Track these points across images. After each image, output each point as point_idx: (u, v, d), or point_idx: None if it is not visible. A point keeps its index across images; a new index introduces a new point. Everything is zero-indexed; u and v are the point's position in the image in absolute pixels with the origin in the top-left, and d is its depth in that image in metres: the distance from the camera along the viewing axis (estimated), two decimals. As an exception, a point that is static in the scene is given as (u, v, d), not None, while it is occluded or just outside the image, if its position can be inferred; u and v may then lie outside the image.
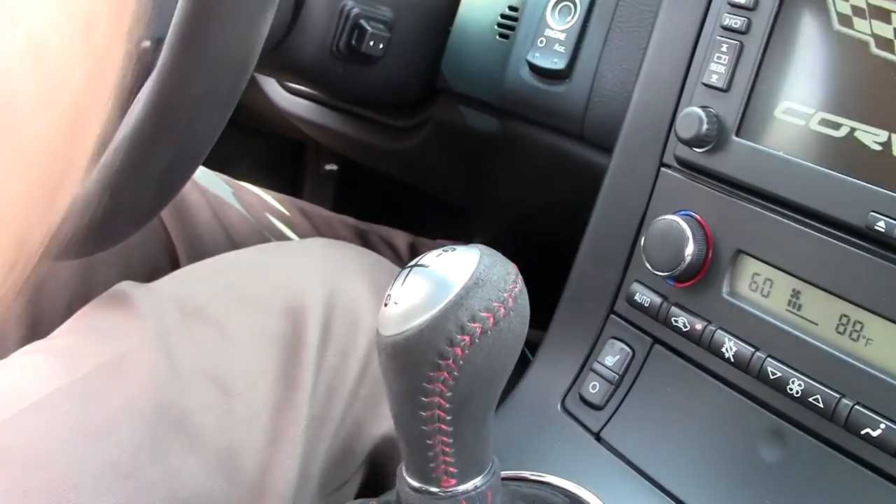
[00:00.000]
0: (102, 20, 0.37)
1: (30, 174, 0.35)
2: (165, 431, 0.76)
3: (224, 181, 1.30)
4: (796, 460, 0.71)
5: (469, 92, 1.08)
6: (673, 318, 0.78)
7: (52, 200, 0.37)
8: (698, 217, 0.77)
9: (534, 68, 0.98)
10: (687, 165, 0.79)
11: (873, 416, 0.66)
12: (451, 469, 0.56)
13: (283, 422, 0.82)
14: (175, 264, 1.16)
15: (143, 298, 0.84)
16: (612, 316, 0.85)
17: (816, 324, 0.71)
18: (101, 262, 1.04)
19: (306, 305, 0.86)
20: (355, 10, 1.00)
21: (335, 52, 1.03)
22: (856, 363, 0.68)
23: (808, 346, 0.70)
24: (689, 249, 0.76)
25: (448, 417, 0.54)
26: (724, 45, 0.76)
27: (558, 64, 0.95)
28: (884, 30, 0.67)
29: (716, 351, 0.75)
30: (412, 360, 0.52)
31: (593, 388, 0.83)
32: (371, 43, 1.02)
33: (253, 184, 1.36)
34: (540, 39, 0.97)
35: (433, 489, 0.57)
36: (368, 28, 1.01)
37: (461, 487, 0.57)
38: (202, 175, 1.23)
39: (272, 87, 1.41)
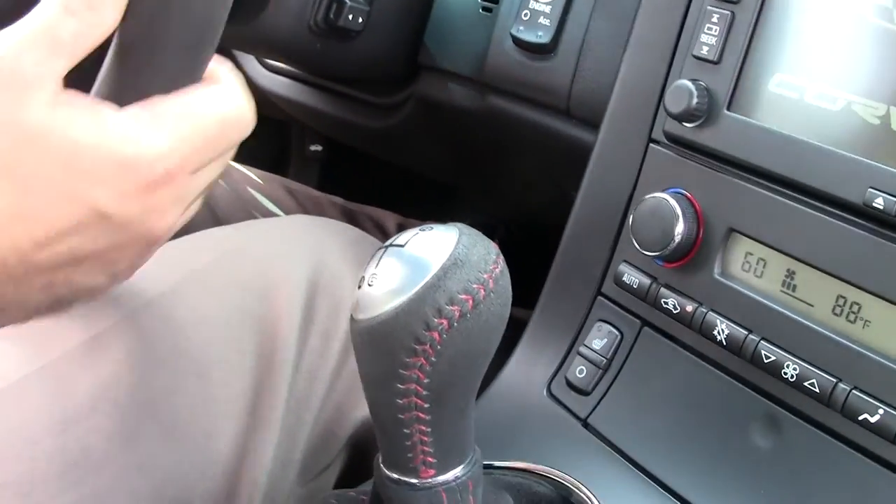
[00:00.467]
0: None
1: None
2: (139, 417, 0.73)
3: None
4: (792, 447, 0.69)
5: (452, 67, 1.06)
6: (662, 300, 0.76)
7: None
8: (689, 195, 0.75)
9: (518, 42, 0.95)
10: (676, 141, 0.76)
11: (871, 401, 0.63)
12: (430, 459, 0.55)
13: (261, 406, 0.79)
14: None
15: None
16: (600, 298, 0.83)
17: (812, 305, 0.68)
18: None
19: (288, 284, 0.84)
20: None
21: (313, 27, 1.00)
22: (853, 346, 0.65)
23: (804, 329, 0.68)
24: (679, 228, 0.73)
25: (426, 405, 0.51)
26: (715, 16, 0.73)
27: (543, 37, 0.93)
28: (883, -2, 0.64)
29: (707, 333, 0.73)
30: (387, 346, 0.50)
31: (580, 372, 0.81)
32: (350, 17, 0.99)
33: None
34: (524, 12, 0.94)
35: (411, 480, 0.55)
36: (347, 1, 0.98)
37: (441, 478, 0.55)
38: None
39: (252, 65, 1.39)
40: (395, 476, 0.56)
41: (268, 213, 1.28)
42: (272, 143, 2.01)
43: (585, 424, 0.80)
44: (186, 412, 0.76)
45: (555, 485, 0.72)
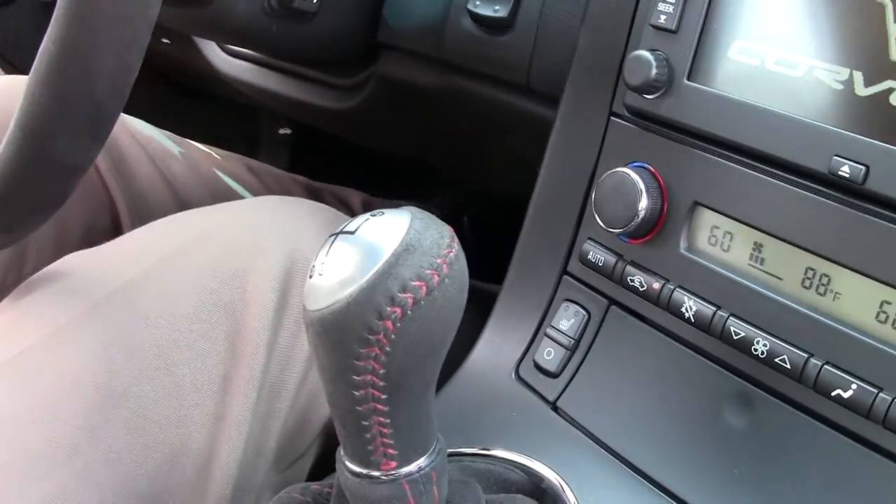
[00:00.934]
0: None
1: None
2: (106, 408, 0.72)
3: (168, 136, 1.25)
4: (764, 425, 0.67)
5: (410, 45, 1.04)
6: (629, 278, 0.75)
7: None
8: (652, 168, 0.74)
9: (475, 17, 0.94)
10: (637, 114, 0.75)
11: (844, 375, 0.62)
12: (391, 451, 0.53)
13: (232, 394, 0.78)
14: (115, 220, 1.12)
15: (83, 268, 0.80)
16: (566, 277, 0.81)
17: (781, 278, 0.67)
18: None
19: (261, 269, 0.82)
20: (289, -40, 0.96)
21: (267, 9, 0.98)
22: (824, 320, 0.64)
23: (773, 303, 0.66)
24: (643, 203, 0.71)
25: (383, 396, 0.50)
26: (672, -15, 0.71)
27: (500, 12, 0.91)
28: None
29: (675, 311, 0.71)
30: (340, 337, 0.48)
31: (548, 354, 0.80)
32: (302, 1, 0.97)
33: (203, 146, 1.32)
34: (480, -19, 0.93)
35: (373, 473, 0.54)
36: None
37: (403, 470, 0.54)
38: (143, 128, 1.18)
39: (212, 51, 1.38)
40: (357, 469, 0.54)
41: (231, 193, 1.27)
42: (242, 126, 2.01)
43: (555, 408, 0.78)
44: (154, 402, 0.74)
45: (525, 471, 0.71)
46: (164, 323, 0.77)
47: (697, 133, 0.70)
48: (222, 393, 0.78)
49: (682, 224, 0.72)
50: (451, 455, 0.61)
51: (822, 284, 0.64)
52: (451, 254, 0.49)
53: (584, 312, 0.79)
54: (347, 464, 0.54)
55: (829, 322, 0.63)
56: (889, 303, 0.61)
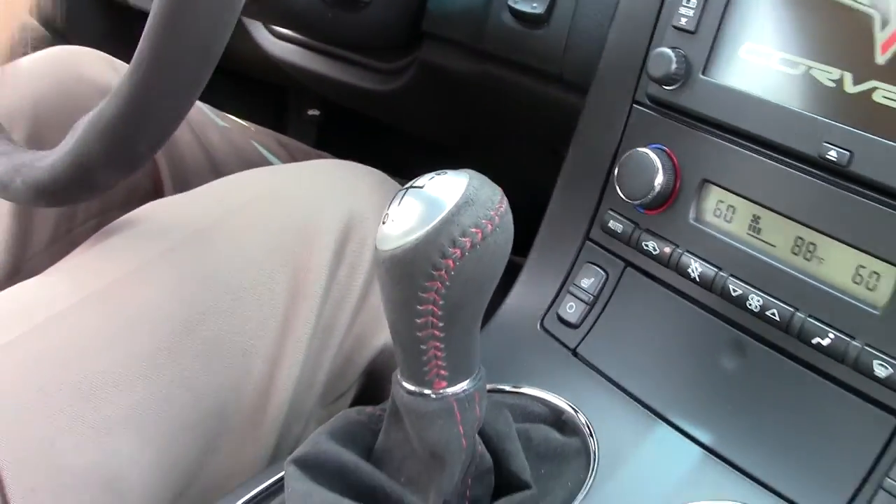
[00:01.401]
0: None
1: None
2: (181, 335, 0.81)
3: (206, 106, 1.34)
4: (755, 369, 0.78)
5: (453, 35, 1.13)
6: (644, 243, 0.85)
7: None
8: (668, 150, 0.84)
9: (514, 13, 1.03)
10: (657, 102, 0.85)
11: (823, 326, 0.72)
12: (443, 372, 0.62)
13: (291, 330, 0.87)
14: (157, 183, 1.21)
15: (160, 216, 0.90)
16: (588, 242, 0.91)
17: (774, 245, 0.77)
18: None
19: (321, 223, 0.91)
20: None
21: (325, 1, 1.07)
22: (809, 280, 0.74)
23: (766, 266, 0.77)
24: (659, 179, 0.82)
25: (441, 324, 0.59)
26: (693, -9, 0.82)
27: (538, 8, 1.01)
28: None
29: (682, 272, 0.82)
30: (408, 272, 0.57)
31: (570, 308, 0.90)
32: None
33: (236, 122, 1.40)
34: (521, -20, 1.02)
35: (426, 391, 0.63)
36: None
37: (451, 390, 0.63)
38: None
39: (260, 33, 1.46)
40: (412, 388, 0.63)
41: (265, 162, 1.36)
42: (271, 107, 2.08)
43: (574, 353, 0.88)
44: (223, 332, 0.84)
45: (547, 405, 0.81)
46: (235, 263, 0.86)
47: (709, 120, 0.81)
48: (283, 328, 0.87)
49: (692, 198, 0.82)
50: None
51: (809, 251, 0.75)
52: (502, 208, 0.59)
53: (603, 273, 0.89)
54: (404, 384, 0.64)
55: (813, 282, 0.74)
56: (864, 267, 0.71)
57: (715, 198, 0.81)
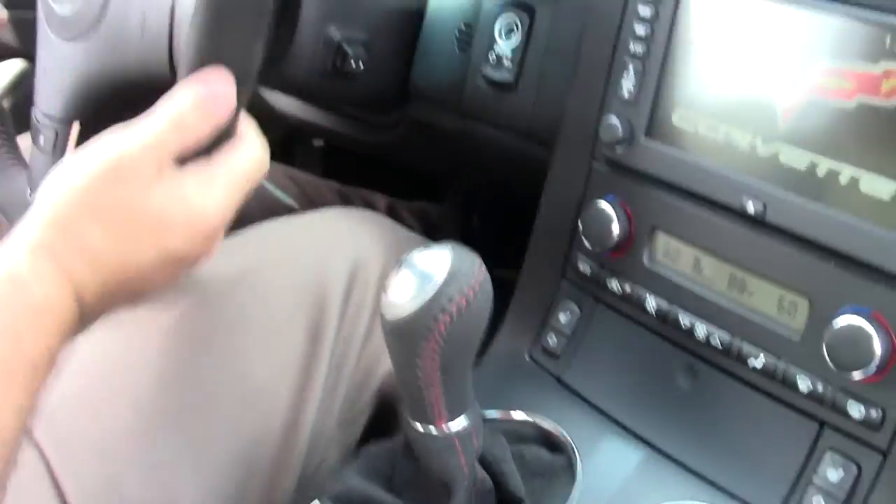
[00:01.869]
0: None
1: None
2: (219, 380, 0.97)
3: None
4: (706, 388, 0.92)
5: (436, 96, 1.26)
6: (608, 282, 0.99)
7: None
8: (622, 201, 0.97)
9: (488, 80, 1.17)
10: (610, 161, 0.99)
11: (756, 349, 0.87)
12: (443, 411, 0.77)
13: (311, 368, 1.01)
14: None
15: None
16: (563, 281, 1.05)
17: (713, 282, 0.92)
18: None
19: (332, 273, 1.05)
20: (337, 37, 1.18)
21: (322, 72, 1.21)
22: (742, 311, 0.89)
23: (708, 300, 0.92)
24: (615, 229, 0.96)
25: (438, 373, 0.74)
26: (632, 66, 0.95)
27: (507, 77, 1.14)
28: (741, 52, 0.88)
29: (641, 307, 0.96)
30: (408, 335, 0.73)
31: (552, 341, 1.04)
32: (352, 63, 1.19)
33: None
34: (491, 55, 1.16)
35: (432, 430, 0.78)
36: (349, 51, 1.17)
37: (452, 425, 0.78)
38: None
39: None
40: (419, 427, 0.78)
41: (272, 198, 1.52)
42: (280, 139, 2.20)
43: (559, 381, 1.02)
44: (254, 375, 0.99)
45: (537, 427, 0.95)
46: (260, 316, 1.01)
47: (653, 176, 0.95)
48: (304, 368, 1.01)
49: (645, 243, 0.96)
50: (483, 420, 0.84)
51: (741, 287, 0.89)
52: (481, 276, 0.74)
53: (577, 309, 1.03)
54: (413, 423, 0.78)
55: (746, 313, 0.89)
56: (784, 299, 0.86)
57: (663, 243, 0.95)
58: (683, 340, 0.94)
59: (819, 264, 0.84)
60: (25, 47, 1.36)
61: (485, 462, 0.85)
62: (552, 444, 0.94)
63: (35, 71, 1.22)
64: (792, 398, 0.86)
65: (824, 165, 0.83)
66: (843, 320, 0.80)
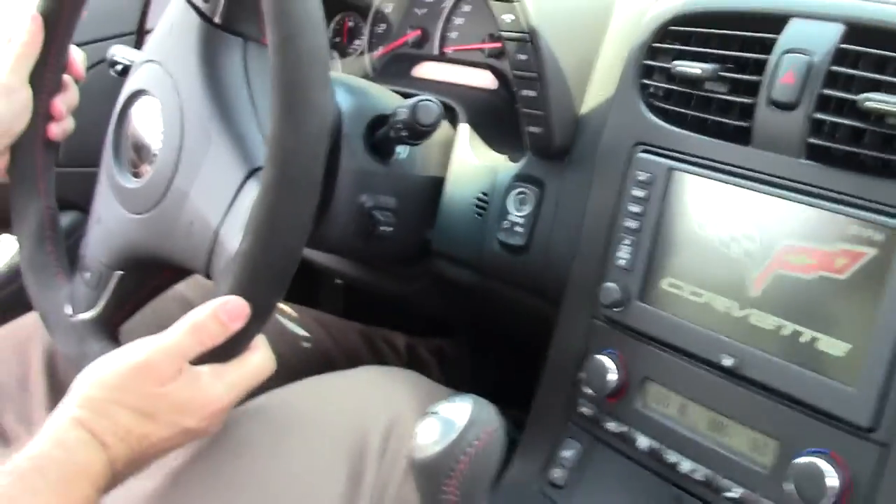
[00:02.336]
0: None
1: None
2: None
3: None
4: (691, 516, 1.07)
5: (455, 254, 1.41)
6: (606, 424, 1.14)
7: None
8: (619, 354, 1.13)
9: (501, 244, 1.33)
10: (609, 319, 1.15)
11: (733, 483, 1.02)
12: None
13: None
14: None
15: (231, 433, 1.15)
16: (569, 423, 1.20)
17: (696, 425, 1.07)
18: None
19: (371, 423, 1.16)
20: (369, 204, 1.33)
21: (354, 235, 1.35)
22: (722, 450, 1.04)
23: (692, 440, 1.07)
24: (613, 378, 1.12)
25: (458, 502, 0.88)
26: (627, 240, 1.12)
27: (519, 242, 1.30)
28: (720, 231, 1.04)
29: (633, 445, 1.11)
30: (433, 473, 0.87)
31: (558, 473, 1.18)
32: (381, 228, 1.34)
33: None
34: (505, 222, 1.32)
35: None
36: (380, 217, 1.32)
37: None
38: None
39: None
40: None
41: (296, 338, 1.66)
42: (305, 280, 2.34)
43: (564, 509, 1.17)
44: None
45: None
46: (301, 460, 1.13)
47: (645, 334, 1.11)
48: None
49: (638, 391, 1.12)
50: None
51: (720, 428, 1.04)
52: (495, 423, 0.89)
53: (579, 445, 1.17)
54: None
55: (724, 451, 1.03)
56: (757, 439, 1.01)
57: (654, 391, 1.11)
58: (670, 474, 1.08)
59: (786, 411, 0.99)
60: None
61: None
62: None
63: (89, 217, 1.36)
64: (764, 525, 1.01)
65: (789, 327, 0.99)
66: (806, 459, 0.95)
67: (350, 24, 1.91)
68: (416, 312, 1.85)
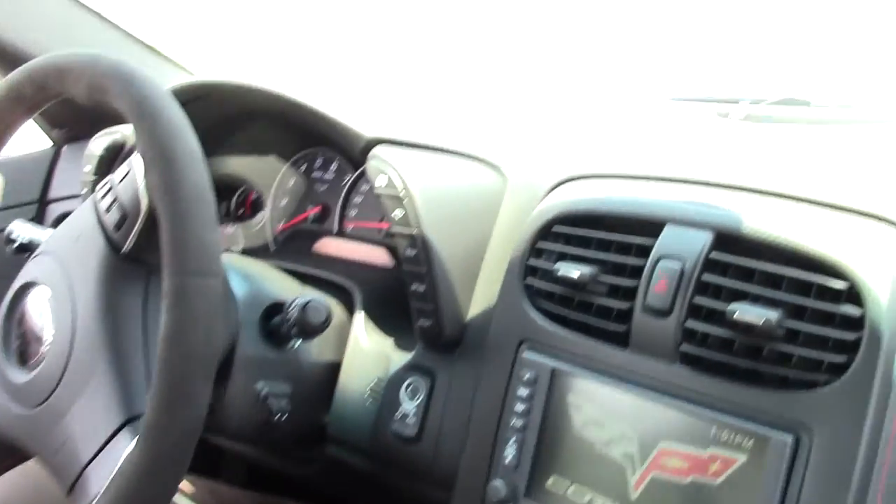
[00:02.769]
0: None
1: None
2: None
3: None
4: None
5: (350, 441, 1.43)
6: None
7: None
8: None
9: (394, 433, 1.34)
10: (499, 512, 1.17)
11: None
12: None
13: None
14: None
15: None
16: None
17: None
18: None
19: None
20: (265, 391, 1.35)
21: (249, 421, 1.36)
22: None
23: None
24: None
25: None
26: (514, 438, 1.15)
27: (410, 433, 1.32)
28: (602, 432, 1.07)
29: None
30: None
31: None
32: (277, 415, 1.36)
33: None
34: (397, 412, 1.34)
35: None
36: (276, 405, 1.34)
37: None
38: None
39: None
40: None
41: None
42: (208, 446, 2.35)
43: None
44: None
45: None
46: None
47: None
48: None
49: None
50: None
51: None
52: None
53: None
54: None
55: None
56: None
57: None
58: None
59: None
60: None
61: None
62: None
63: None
64: None
65: (668, 527, 1.02)
66: None
67: (253, 196, 1.94)
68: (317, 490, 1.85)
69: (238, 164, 1.87)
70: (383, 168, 1.30)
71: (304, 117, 1.53)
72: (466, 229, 1.31)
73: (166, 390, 0.98)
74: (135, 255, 1.17)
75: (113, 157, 1.81)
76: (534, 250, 1.19)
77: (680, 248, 1.04)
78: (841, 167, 1.12)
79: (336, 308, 1.48)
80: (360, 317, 1.46)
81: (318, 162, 1.85)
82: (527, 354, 1.17)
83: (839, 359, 0.93)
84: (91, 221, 1.21)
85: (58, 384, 1.16)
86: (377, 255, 1.65)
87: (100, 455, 1.09)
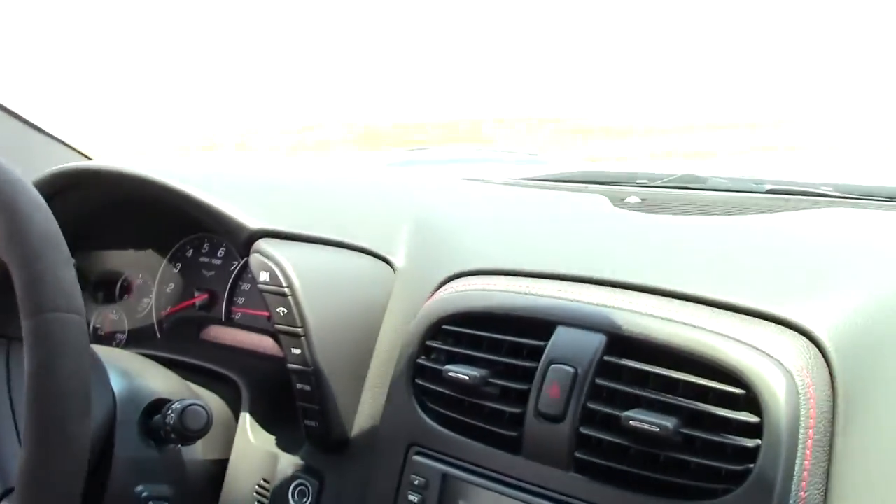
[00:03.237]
0: None
1: None
2: None
3: None
4: None
5: None
6: None
7: None
8: None
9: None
10: None
11: None
12: None
13: None
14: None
15: None
16: None
17: None
18: None
19: None
20: (145, 494, 1.30)
21: None
22: None
23: None
24: None
25: None
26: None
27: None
28: None
29: None
30: None
31: None
32: None
33: None
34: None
35: None
36: None
37: None
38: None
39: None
40: None
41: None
42: None
43: None
44: None
45: None
46: None
47: None
48: None
49: None
50: None
51: None
52: None
53: None
54: None
55: None
56: None
57: None
58: None
59: None
60: None
61: None
62: None
63: None
64: None
65: None
66: None
67: (138, 281, 1.88)
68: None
69: (119, 257, 1.82)
70: (266, 264, 1.26)
71: (187, 205, 1.48)
72: (354, 326, 1.27)
73: (40, 435, 0.91)
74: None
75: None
76: (423, 348, 1.15)
77: (573, 351, 1.01)
78: (740, 262, 1.10)
79: (222, 404, 1.43)
80: (245, 414, 1.41)
81: (206, 247, 1.80)
82: (417, 458, 1.13)
83: (738, 467, 0.90)
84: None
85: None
86: (265, 344, 1.60)
87: None
